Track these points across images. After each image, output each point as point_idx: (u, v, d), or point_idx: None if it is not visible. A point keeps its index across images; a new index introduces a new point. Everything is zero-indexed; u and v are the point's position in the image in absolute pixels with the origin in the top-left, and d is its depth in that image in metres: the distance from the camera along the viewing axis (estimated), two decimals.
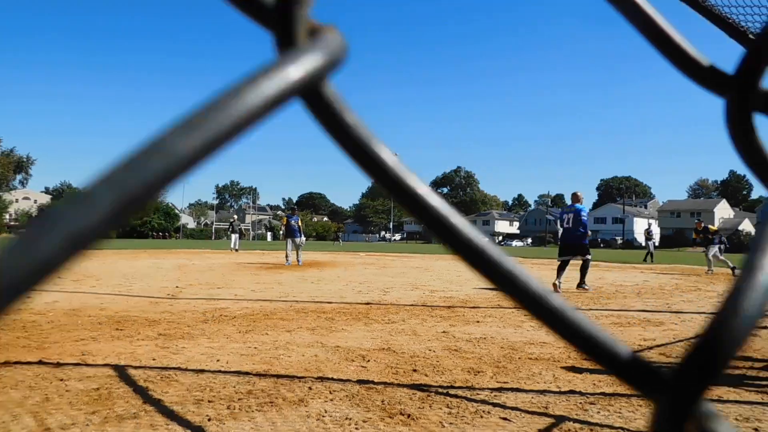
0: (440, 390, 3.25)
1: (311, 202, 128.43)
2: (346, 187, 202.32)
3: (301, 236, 15.95)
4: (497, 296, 8.33)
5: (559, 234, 9.68)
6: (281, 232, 16.51)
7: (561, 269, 9.13)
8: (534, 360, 4.09)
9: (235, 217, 25.54)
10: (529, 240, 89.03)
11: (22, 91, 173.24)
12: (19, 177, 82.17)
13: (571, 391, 3.32)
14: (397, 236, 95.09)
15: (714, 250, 14.99)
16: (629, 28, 0.40)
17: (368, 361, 3.97)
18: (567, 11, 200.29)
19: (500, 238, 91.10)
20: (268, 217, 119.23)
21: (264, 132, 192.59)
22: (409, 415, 2.77)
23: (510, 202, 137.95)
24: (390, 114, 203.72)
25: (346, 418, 2.71)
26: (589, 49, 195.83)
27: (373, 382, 3.38)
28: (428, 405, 2.96)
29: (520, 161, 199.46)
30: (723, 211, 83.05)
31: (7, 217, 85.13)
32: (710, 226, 15.72)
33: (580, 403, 3.09)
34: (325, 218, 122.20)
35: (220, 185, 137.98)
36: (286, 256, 15.64)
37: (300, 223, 16.19)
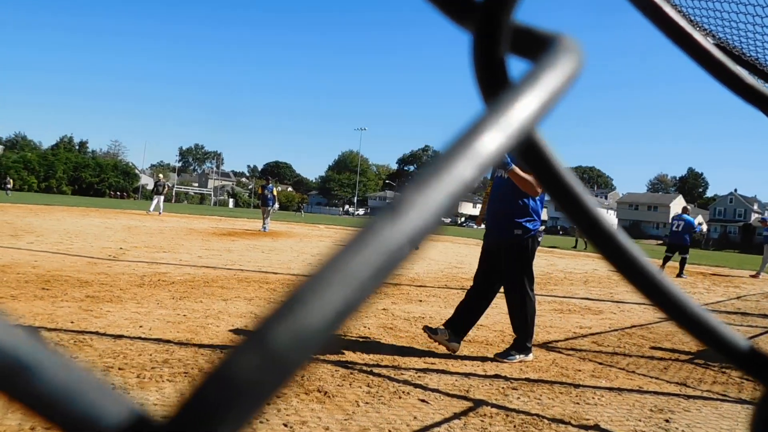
0: (365, 368, 3.20)
1: (277, 171, 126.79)
2: (313, 158, 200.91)
3: (274, 204, 16.74)
4: (445, 276, 8.35)
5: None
6: (258, 201, 17.22)
7: (665, 262, 12.65)
8: (467, 342, 4.08)
9: (161, 176, 23.75)
10: None
11: None
12: None
13: (497, 376, 3.31)
14: (361, 211, 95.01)
15: None
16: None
17: None
18: None
19: (460, 219, 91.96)
20: (231, 183, 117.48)
21: (232, 97, 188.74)
22: (326, 393, 2.70)
23: None
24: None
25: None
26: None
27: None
28: (348, 383, 2.90)
29: None
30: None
31: None
32: None
33: (503, 388, 3.08)
34: (290, 188, 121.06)
35: (183, 148, 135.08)
36: (264, 224, 16.47)
37: (275, 192, 16.89)
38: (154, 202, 22.72)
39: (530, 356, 3.69)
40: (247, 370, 0.19)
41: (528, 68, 0.27)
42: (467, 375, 3.26)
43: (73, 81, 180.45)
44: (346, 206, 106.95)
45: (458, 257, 12.66)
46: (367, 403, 2.63)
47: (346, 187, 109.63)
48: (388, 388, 2.89)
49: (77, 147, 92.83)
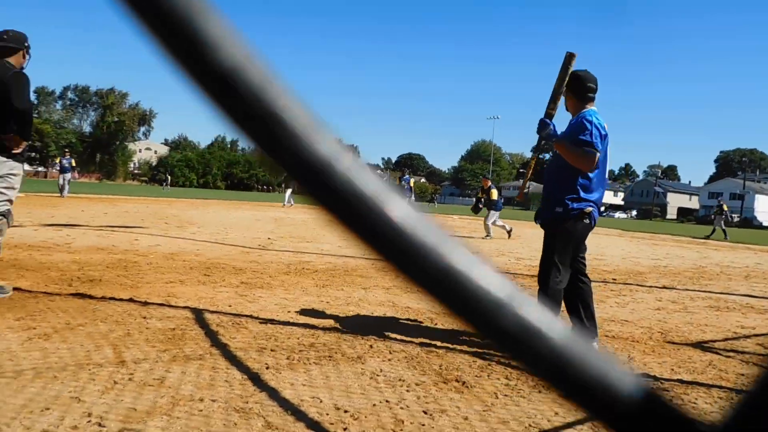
0: (503, 360, 3.17)
1: (410, 163, 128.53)
2: (446, 148, 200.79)
3: (411, 196, 17.18)
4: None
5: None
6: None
7: None
8: (611, 338, 3.88)
9: None
10: (634, 212, 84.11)
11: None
12: (142, 129, 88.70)
13: (645, 374, 3.11)
14: None
15: None
16: None
17: (435, 324, 3.95)
18: None
19: (603, 209, 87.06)
20: None
21: (367, 91, 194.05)
22: (464, 383, 2.72)
23: (616, 171, 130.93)
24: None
25: (400, 380, 2.71)
26: (730, 19, 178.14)
27: (435, 346, 3.35)
28: (486, 374, 2.89)
29: (629, 128, 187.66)
30: None
31: (131, 165, 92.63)
32: None
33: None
34: (423, 179, 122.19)
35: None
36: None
37: (411, 183, 17.31)
38: (287, 194, 23.80)
39: None
40: None
41: None
42: None
43: None
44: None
45: (598, 248, 12.01)
46: (506, 395, 2.60)
47: (479, 176, 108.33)
48: (527, 381, 2.84)
49: (229, 145, 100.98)
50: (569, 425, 2.34)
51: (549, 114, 3.47)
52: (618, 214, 79.93)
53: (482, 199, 13.35)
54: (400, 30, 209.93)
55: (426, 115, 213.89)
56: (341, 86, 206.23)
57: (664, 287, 6.69)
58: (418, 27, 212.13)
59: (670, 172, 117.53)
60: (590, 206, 3.41)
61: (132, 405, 2.18)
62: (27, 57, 4.02)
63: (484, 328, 0.28)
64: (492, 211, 12.99)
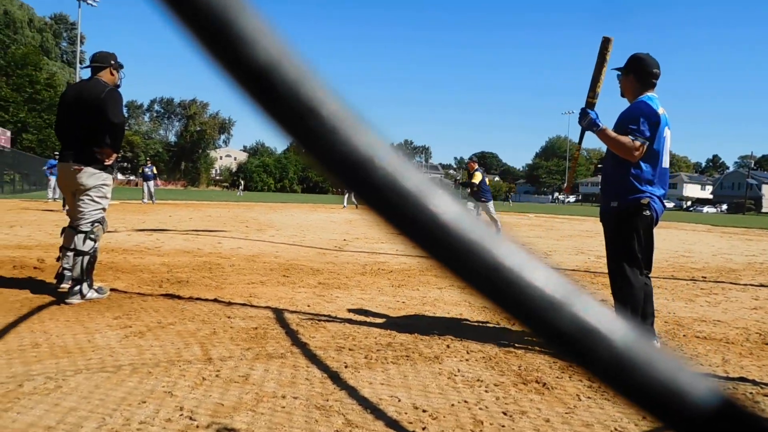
0: None
1: (483, 162, 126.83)
2: (520, 146, 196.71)
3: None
4: (671, 265, 7.57)
5: None
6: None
7: None
8: (702, 339, 3.67)
9: None
10: (724, 206, 78.98)
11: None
12: (222, 137, 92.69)
13: (742, 379, 2.92)
14: (572, 198, 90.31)
15: None
16: None
17: (513, 324, 3.86)
18: None
19: (689, 203, 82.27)
20: (440, 175, 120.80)
21: (439, 91, 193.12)
22: (544, 384, 2.66)
23: (702, 164, 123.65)
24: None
25: (478, 380, 2.68)
26: None
27: (513, 346, 3.29)
28: (568, 376, 2.81)
29: (718, 119, 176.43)
30: None
31: (213, 172, 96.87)
32: None
33: (751, 393, 2.71)
34: (497, 178, 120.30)
35: (394, 144, 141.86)
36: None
37: (486, 181, 17.24)
38: (346, 195, 23.68)
39: None
40: None
41: None
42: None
43: None
44: (556, 193, 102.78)
45: (685, 245, 11.39)
46: (589, 397, 2.52)
47: (554, 174, 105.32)
48: (588, 380, 2.73)
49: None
50: (658, 430, 2.23)
51: (589, 103, 3.32)
52: (706, 209, 75.42)
53: (463, 184, 11.55)
54: (468, 19, 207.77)
55: (499, 112, 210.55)
56: (406, 94, 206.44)
57: (762, 285, 6.25)
58: (488, 17, 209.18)
59: (765, 162, 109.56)
60: (647, 197, 3.21)
61: (219, 400, 2.28)
62: (119, 74, 4.32)
63: (538, 329, 0.26)
64: (484, 203, 11.02)
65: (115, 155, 4.25)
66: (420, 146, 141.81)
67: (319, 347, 3.09)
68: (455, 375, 2.75)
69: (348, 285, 5.10)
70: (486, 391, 2.54)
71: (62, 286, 4.24)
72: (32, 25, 58.52)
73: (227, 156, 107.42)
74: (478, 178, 10.99)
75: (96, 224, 4.08)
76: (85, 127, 4.07)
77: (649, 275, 3.33)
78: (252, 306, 4.03)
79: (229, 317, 3.65)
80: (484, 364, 2.94)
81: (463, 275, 0.26)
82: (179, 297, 4.23)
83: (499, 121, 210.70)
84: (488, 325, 3.86)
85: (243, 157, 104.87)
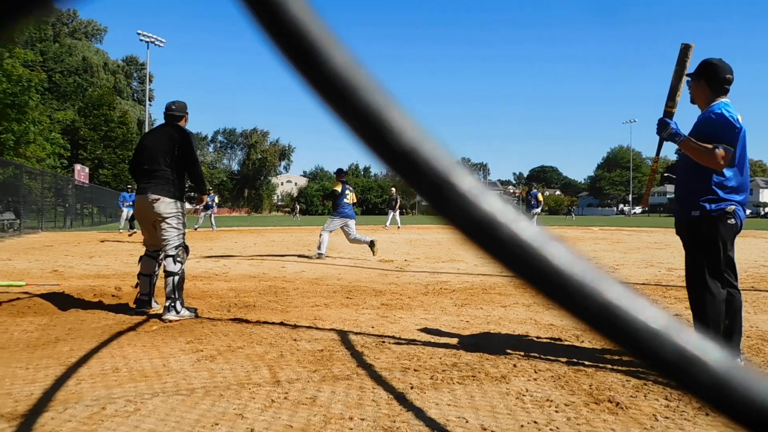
0: (660, 380, 2.93)
1: (543, 176, 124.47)
2: (580, 158, 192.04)
3: (537, 208, 16.87)
4: (750, 276, 7.15)
5: None
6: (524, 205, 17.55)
7: None
8: None
9: (393, 190, 23.01)
10: None
11: (283, 89, 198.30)
12: (283, 163, 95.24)
13: None
14: (637, 209, 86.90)
15: None
16: None
17: (582, 342, 3.76)
18: None
19: (766, 210, 77.56)
20: (499, 192, 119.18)
21: (495, 106, 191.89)
22: (618, 404, 2.56)
23: None
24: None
25: (548, 400, 2.61)
26: None
27: (583, 365, 3.19)
28: (643, 395, 2.69)
29: None
30: None
31: (275, 198, 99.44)
32: None
33: None
34: (558, 192, 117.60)
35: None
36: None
37: (540, 197, 17.03)
38: (390, 216, 23.21)
39: None
40: None
41: None
42: None
43: None
44: (621, 205, 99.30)
45: (765, 254, 10.74)
46: (666, 417, 2.40)
47: (618, 185, 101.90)
48: (690, 402, 2.60)
49: (362, 172, 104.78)
50: None
51: (668, 113, 3.21)
52: None
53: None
54: (518, 35, 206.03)
55: (557, 125, 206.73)
56: (458, 112, 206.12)
57: None
58: (544, 32, 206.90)
59: None
60: (732, 205, 3.08)
61: (289, 422, 2.32)
62: (187, 120, 4.93)
63: (643, 358, 0.29)
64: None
65: (205, 197, 5.06)
66: (478, 163, 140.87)
67: (384, 368, 3.09)
68: (523, 395, 2.69)
69: (411, 305, 5.09)
70: (556, 412, 2.47)
71: (141, 310, 4.62)
72: (107, 68, 62.33)
73: (288, 182, 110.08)
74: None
75: (179, 248, 4.52)
76: (166, 165, 4.57)
77: (738, 287, 3.20)
78: (317, 328, 4.09)
79: (295, 340, 3.72)
80: (553, 384, 2.86)
81: (578, 314, 0.30)
82: (247, 321, 4.34)
83: (558, 134, 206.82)
84: (555, 343, 3.75)
85: (303, 182, 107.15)
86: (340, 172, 10.23)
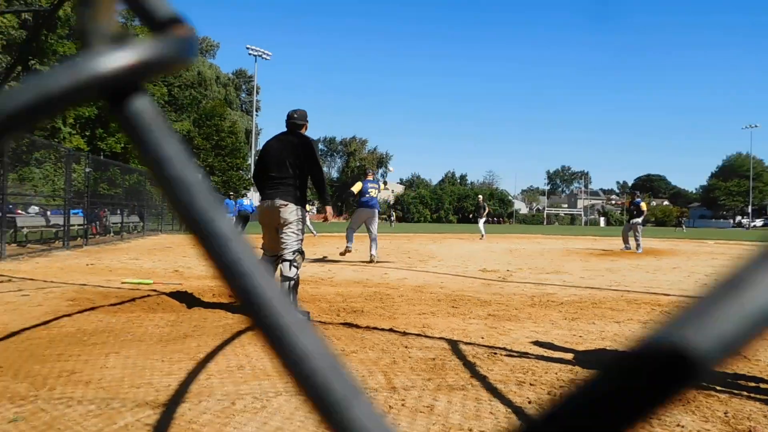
0: None
1: (649, 185, 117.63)
2: (692, 167, 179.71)
3: (639, 218, 15.84)
4: None
5: None
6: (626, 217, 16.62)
7: None
8: None
9: (480, 198, 21.66)
10: None
11: (384, 100, 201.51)
12: (380, 171, 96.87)
13: None
14: (758, 222, 79.67)
15: None
16: None
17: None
18: None
19: None
20: (601, 201, 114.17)
21: (595, 114, 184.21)
22: None
23: None
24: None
25: (678, 425, 2.46)
26: None
27: (715, 390, 2.97)
28: None
29: None
30: None
31: None
32: None
33: None
34: (666, 202, 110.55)
35: (551, 171, 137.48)
36: (626, 240, 15.16)
37: (642, 206, 15.87)
38: (481, 224, 22.15)
39: None
40: (658, 360, 0.21)
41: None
42: None
43: (450, 126, 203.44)
44: (738, 217, 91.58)
45: None
46: None
47: (735, 195, 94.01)
48: None
49: (459, 180, 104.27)
50: None
51: None
52: None
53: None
54: (628, 42, 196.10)
55: (665, 132, 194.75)
56: (561, 119, 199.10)
57: None
58: (650, 35, 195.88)
59: None
60: None
61: (408, 429, 2.34)
62: (306, 128, 5.11)
63: None
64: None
65: (330, 208, 5.25)
66: (578, 171, 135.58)
67: (498, 380, 3.05)
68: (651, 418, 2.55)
69: (519, 317, 4.99)
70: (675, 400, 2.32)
71: None
72: (218, 81, 66.40)
73: (385, 189, 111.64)
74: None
75: (297, 253, 4.68)
76: (291, 172, 4.75)
77: None
78: (426, 336, 4.11)
79: (406, 347, 3.76)
80: (683, 408, 2.69)
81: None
82: (357, 326, 4.44)
83: (666, 142, 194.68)
84: None
85: (400, 189, 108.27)
86: (364, 172, 11.50)
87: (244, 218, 18.49)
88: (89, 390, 2.80)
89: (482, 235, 21.43)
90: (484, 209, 21.60)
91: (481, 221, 21.62)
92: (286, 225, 4.70)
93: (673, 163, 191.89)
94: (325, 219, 5.35)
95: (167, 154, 0.31)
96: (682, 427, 2.44)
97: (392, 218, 52.61)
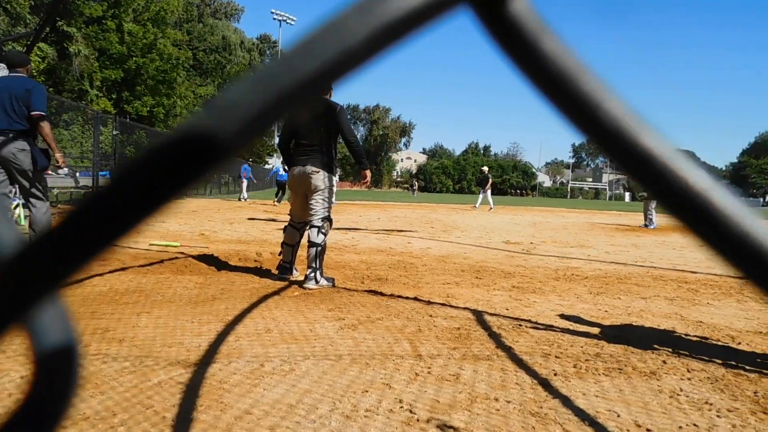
0: None
1: None
2: (720, 142, 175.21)
3: None
4: None
5: None
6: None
7: None
8: None
9: (485, 169, 21.62)
10: None
11: (403, 62, 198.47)
12: (403, 140, 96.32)
13: None
14: None
15: None
16: None
17: (739, 343, 3.46)
18: None
19: None
20: (626, 177, 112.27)
21: (625, 88, 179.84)
22: None
23: None
24: None
25: (706, 402, 2.45)
26: None
27: (744, 369, 2.94)
28: None
29: None
30: None
31: (394, 174, 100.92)
32: None
33: None
34: None
35: (576, 144, 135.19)
36: (646, 218, 14.76)
37: None
38: (481, 197, 22.56)
39: None
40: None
41: None
42: None
43: (475, 97, 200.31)
44: None
45: None
46: None
47: (767, 173, 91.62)
48: None
49: (482, 151, 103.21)
50: None
51: None
52: None
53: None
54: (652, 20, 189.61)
55: (690, 107, 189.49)
56: None
57: None
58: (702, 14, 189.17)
59: None
60: None
61: (435, 397, 2.37)
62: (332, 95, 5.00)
63: None
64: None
65: (368, 172, 5.19)
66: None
67: (524, 352, 3.06)
68: (678, 394, 2.54)
69: (543, 290, 4.97)
70: (718, 416, 2.31)
71: (283, 276, 4.91)
72: (243, 46, 66.07)
73: (408, 158, 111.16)
74: None
75: (325, 220, 4.70)
76: (322, 138, 4.72)
77: None
78: (451, 306, 4.12)
79: (431, 316, 3.78)
80: (711, 386, 2.67)
81: None
82: (381, 294, 4.48)
83: (696, 116, 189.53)
84: (707, 342, 3.49)
85: (422, 159, 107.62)
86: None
87: (281, 186, 18.98)
88: (123, 347, 2.88)
89: (490, 207, 21.53)
90: (488, 180, 21.63)
91: (488, 193, 21.68)
92: (316, 192, 4.70)
93: (701, 139, 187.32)
94: (367, 184, 5.28)
95: (569, 66, 0.25)
96: (711, 404, 2.43)
97: (414, 188, 52.47)
